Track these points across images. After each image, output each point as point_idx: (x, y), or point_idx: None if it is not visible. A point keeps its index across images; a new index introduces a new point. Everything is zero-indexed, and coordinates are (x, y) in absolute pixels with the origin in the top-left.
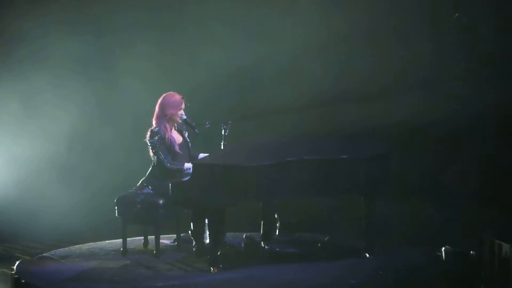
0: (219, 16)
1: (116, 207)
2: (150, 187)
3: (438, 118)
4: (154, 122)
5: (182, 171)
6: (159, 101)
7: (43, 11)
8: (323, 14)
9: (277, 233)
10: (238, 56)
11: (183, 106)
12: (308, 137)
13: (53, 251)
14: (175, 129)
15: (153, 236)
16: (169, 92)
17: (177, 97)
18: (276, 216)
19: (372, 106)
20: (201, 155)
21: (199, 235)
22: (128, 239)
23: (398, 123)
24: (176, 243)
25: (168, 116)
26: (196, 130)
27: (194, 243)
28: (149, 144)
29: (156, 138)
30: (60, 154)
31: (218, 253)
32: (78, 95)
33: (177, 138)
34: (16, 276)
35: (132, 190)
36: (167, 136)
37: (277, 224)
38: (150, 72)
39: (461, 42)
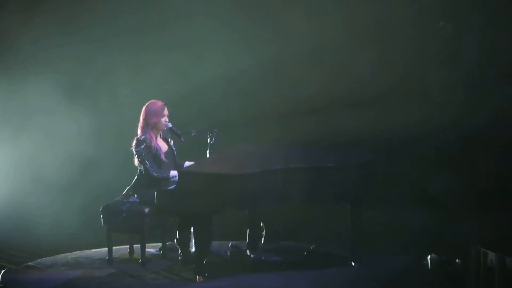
0: (205, 24)
1: (101, 216)
2: (136, 196)
3: (426, 127)
4: (139, 131)
5: (168, 179)
6: (142, 110)
7: (34, 21)
8: (311, 21)
9: (263, 241)
10: (224, 64)
11: (165, 112)
12: (294, 145)
13: (38, 260)
14: (160, 137)
15: (139, 245)
16: (151, 101)
17: (159, 104)
18: (262, 224)
19: (359, 114)
20: (187, 163)
21: (185, 243)
22: (113, 247)
23: (387, 131)
24: (161, 251)
25: (151, 124)
26: (182, 138)
27: (180, 252)
28: (135, 153)
29: (142, 146)
30: (45, 164)
31: (204, 261)
32: (65, 104)
33: (163, 146)
34: (2, 285)
35: (117, 199)
36: (152, 145)
37: (263, 233)
38: (136, 81)
39: (447, 50)
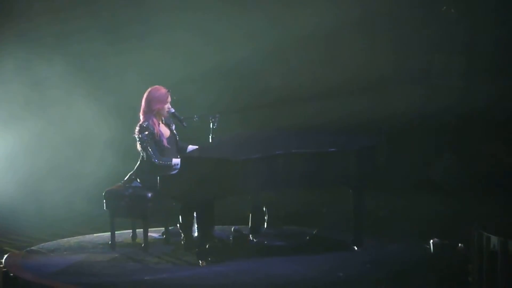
0: (205, 8)
1: (104, 201)
2: (138, 180)
3: (428, 112)
4: (141, 117)
5: (170, 166)
6: (144, 96)
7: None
8: (312, 5)
9: (265, 226)
10: (226, 49)
11: (169, 99)
12: (296, 130)
13: (41, 244)
14: (162, 123)
15: (142, 230)
16: (154, 86)
17: (163, 91)
18: (264, 209)
19: (362, 99)
20: (190, 147)
21: (187, 228)
22: (116, 232)
23: (390, 116)
24: (164, 236)
25: (155, 111)
26: (184, 123)
27: (182, 236)
28: (137, 139)
29: (145, 133)
30: (48, 148)
31: (207, 246)
32: (67, 91)
33: (165, 132)
34: (5, 269)
35: (120, 184)
36: (155, 131)
37: (265, 217)
38: (136, 66)
39: (448, 35)
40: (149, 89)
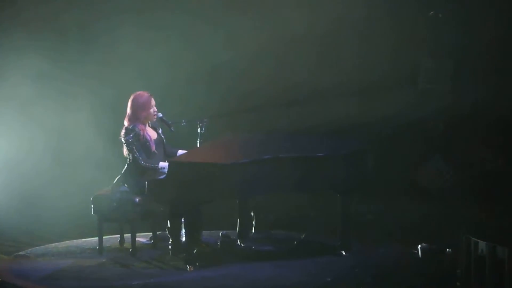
0: (194, 13)
1: (92, 205)
2: (126, 185)
3: (417, 116)
4: (126, 123)
5: (157, 169)
6: (129, 103)
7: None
8: (297, 10)
9: (253, 231)
10: (214, 53)
11: (153, 103)
12: (284, 134)
13: (29, 249)
14: (148, 126)
15: (129, 234)
16: (137, 93)
17: (146, 96)
18: (252, 214)
19: (349, 103)
20: (180, 152)
21: (176, 232)
22: (104, 237)
23: (378, 120)
24: (152, 241)
25: (141, 118)
26: (172, 128)
27: (170, 241)
28: (123, 142)
29: (131, 135)
30: (35, 152)
31: (194, 251)
32: (55, 95)
33: (152, 135)
34: None
35: (108, 188)
36: (142, 134)
37: (253, 222)
38: (126, 70)
39: (436, 39)
40: (132, 96)
